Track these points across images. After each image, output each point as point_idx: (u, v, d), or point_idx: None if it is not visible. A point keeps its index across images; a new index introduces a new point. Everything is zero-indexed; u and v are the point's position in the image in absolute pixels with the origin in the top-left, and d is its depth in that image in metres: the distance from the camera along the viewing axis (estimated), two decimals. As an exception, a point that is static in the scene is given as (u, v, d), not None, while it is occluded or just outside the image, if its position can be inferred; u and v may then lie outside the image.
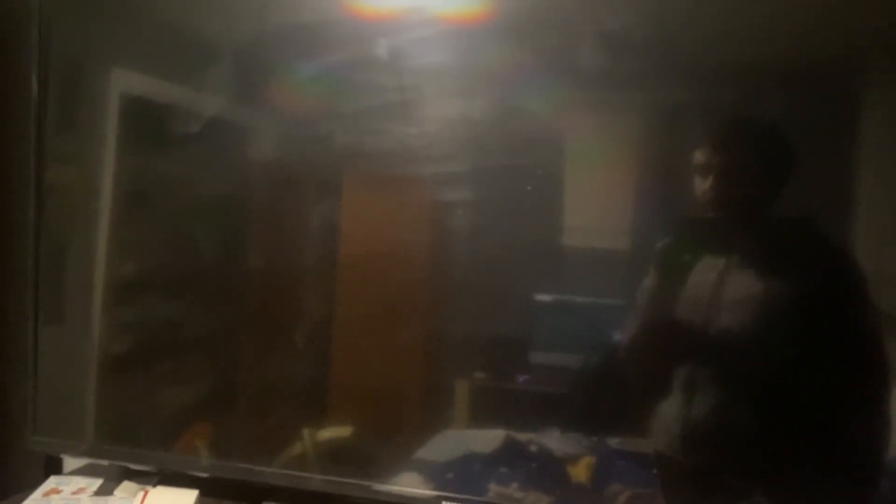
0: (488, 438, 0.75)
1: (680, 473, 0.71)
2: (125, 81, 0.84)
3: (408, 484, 0.76)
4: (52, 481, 0.87)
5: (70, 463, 1.00)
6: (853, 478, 0.66)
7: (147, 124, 0.84)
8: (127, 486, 0.85)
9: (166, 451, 0.85)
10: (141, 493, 0.82)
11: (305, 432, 0.80)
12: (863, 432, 0.66)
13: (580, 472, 0.73)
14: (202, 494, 0.82)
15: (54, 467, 1.00)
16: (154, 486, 0.84)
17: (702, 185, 0.68)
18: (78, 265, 0.87)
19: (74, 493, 0.85)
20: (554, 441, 0.73)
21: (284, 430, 0.81)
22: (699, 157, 0.68)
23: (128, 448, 0.86)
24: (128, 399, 0.87)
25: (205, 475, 0.84)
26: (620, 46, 0.68)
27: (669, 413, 0.70)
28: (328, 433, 0.79)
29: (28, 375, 0.87)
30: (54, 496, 0.84)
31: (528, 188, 0.71)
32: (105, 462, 0.91)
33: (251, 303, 0.83)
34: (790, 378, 0.67)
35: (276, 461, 0.80)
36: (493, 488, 0.74)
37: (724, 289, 0.68)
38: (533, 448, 0.73)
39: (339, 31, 0.76)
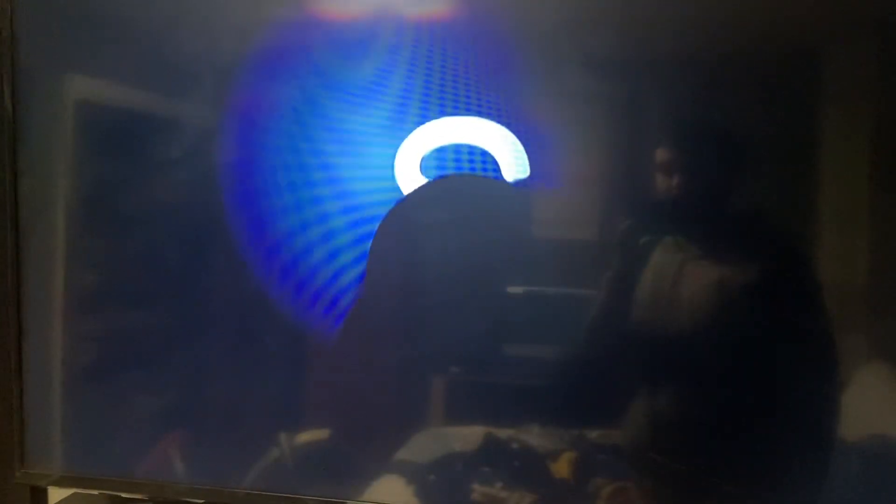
0: (468, 436, 0.75)
1: (656, 466, 0.73)
2: (81, 87, 0.84)
3: (388, 490, 0.77)
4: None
5: (54, 495, 1.00)
6: (816, 464, 0.69)
7: (105, 131, 0.85)
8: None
9: (143, 476, 0.84)
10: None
11: (282, 437, 0.80)
12: (824, 420, 0.69)
13: (562, 467, 0.73)
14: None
15: (39, 500, 1.01)
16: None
17: (663, 179, 0.70)
18: (41, 278, 0.87)
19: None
20: (534, 437, 0.74)
21: (260, 435, 0.81)
22: (660, 152, 0.71)
23: (113, 475, 0.86)
24: (101, 416, 0.87)
25: (198, 502, 0.83)
26: (583, 34, 0.70)
27: (637, 406, 0.72)
28: (305, 437, 0.80)
29: (13, 403, 0.87)
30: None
31: (496, 180, 0.72)
32: (94, 492, 0.91)
33: (219, 307, 0.83)
34: (751, 369, 0.70)
35: (254, 468, 0.80)
36: (477, 489, 0.75)
37: (682, 281, 0.71)
38: (514, 445, 0.74)
39: (302, 31, 0.77)
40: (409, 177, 0.56)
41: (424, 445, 0.76)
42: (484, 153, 0.57)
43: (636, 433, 0.72)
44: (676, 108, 0.72)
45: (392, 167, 0.62)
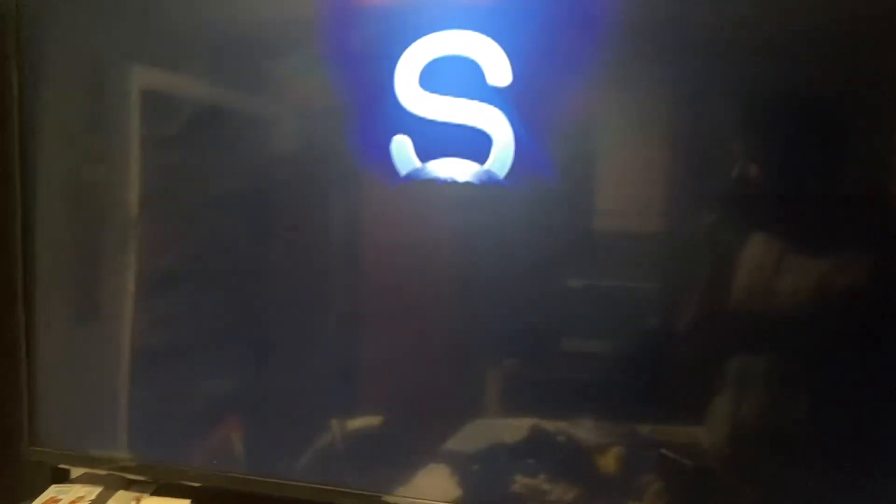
0: (516, 428, 0.72)
1: (714, 467, 0.68)
2: (146, 77, 0.83)
3: (432, 480, 0.74)
4: (52, 490, 0.87)
5: (77, 469, 0.99)
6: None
7: (170, 119, 0.82)
8: (121, 495, 0.83)
9: (172, 456, 0.83)
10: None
11: (334, 423, 0.77)
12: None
13: (608, 462, 0.70)
14: (195, 503, 0.79)
15: (62, 474, 1.00)
16: (150, 494, 0.82)
17: (750, 165, 0.62)
18: (107, 263, 0.85)
19: (72, 502, 0.84)
20: (582, 431, 0.70)
21: (313, 421, 0.78)
22: (745, 136, 0.62)
23: (124, 456, 0.84)
24: (114, 405, 0.85)
25: (197, 485, 0.81)
26: (650, 18, 0.61)
27: (715, 405, 0.66)
28: (357, 423, 0.77)
29: (22, 383, 0.86)
30: (51, 506, 0.83)
31: (557, 171, 0.64)
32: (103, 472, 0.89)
33: (278, 295, 0.79)
34: (851, 373, 0.61)
35: (305, 453, 0.78)
36: (520, 480, 0.72)
37: (777, 274, 0.63)
38: (560, 438, 0.71)
39: (364, 18, 0.69)
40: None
41: (472, 436, 0.74)
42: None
43: (706, 432, 0.67)
44: (764, 87, 0.61)
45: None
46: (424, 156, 0.63)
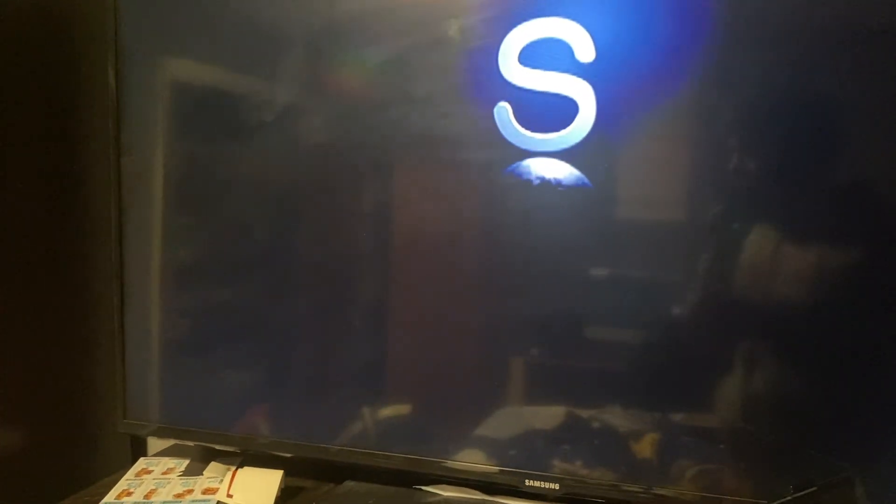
0: (548, 415, 0.75)
1: (749, 448, 0.70)
2: (178, 69, 0.87)
3: (469, 461, 0.78)
4: (142, 462, 0.91)
5: (153, 446, 1.04)
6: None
7: (201, 112, 0.86)
8: (215, 466, 0.88)
9: (234, 431, 0.87)
10: (229, 474, 0.84)
11: (365, 411, 0.82)
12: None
13: (644, 448, 0.72)
14: (287, 474, 0.84)
15: (139, 450, 1.04)
16: (239, 466, 0.87)
17: (756, 155, 0.66)
18: (153, 251, 0.90)
19: (164, 473, 0.88)
20: (616, 418, 0.73)
21: (344, 409, 0.83)
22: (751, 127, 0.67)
23: (211, 430, 0.89)
24: (200, 382, 0.90)
25: (287, 455, 0.86)
26: (664, 13, 0.66)
27: (732, 387, 0.69)
28: (387, 411, 0.81)
29: (116, 362, 0.91)
30: (146, 476, 0.87)
31: (582, 162, 0.70)
32: (190, 443, 0.94)
33: (310, 284, 0.84)
34: (854, 349, 0.66)
35: (337, 440, 0.82)
36: (558, 465, 0.75)
37: (780, 259, 0.67)
38: (595, 425, 0.73)
39: (404, 12, 0.76)
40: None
41: (505, 422, 0.76)
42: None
43: (725, 417, 0.70)
44: (767, 83, 0.66)
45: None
46: (524, 122, 0.70)
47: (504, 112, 0.69)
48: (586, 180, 0.69)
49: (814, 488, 0.62)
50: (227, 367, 0.89)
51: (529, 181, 0.72)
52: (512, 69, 0.66)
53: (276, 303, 0.86)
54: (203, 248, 0.89)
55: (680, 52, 0.66)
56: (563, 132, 0.67)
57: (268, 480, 0.83)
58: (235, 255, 0.88)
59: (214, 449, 0.92)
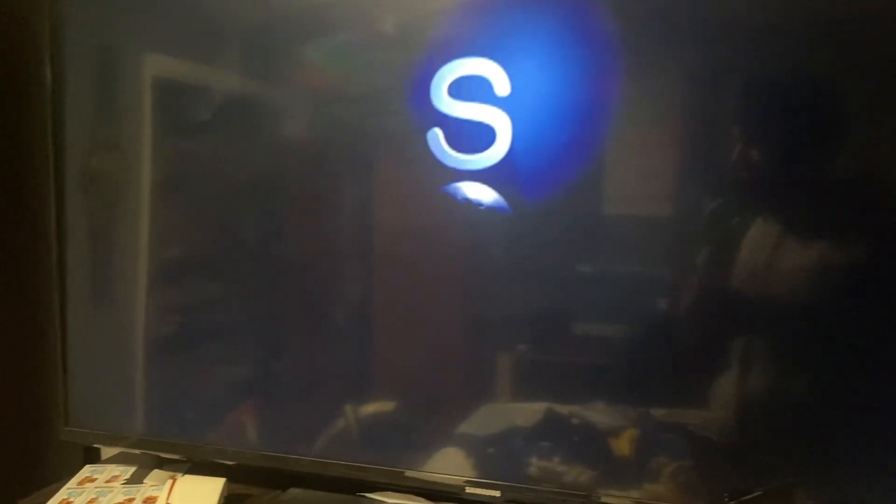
0: (530, 412, 0.74)
1: (727, 448, 0.69)
2: (157, 65, 0.85)
3: (447, 459, 0.76)
4: (86, 470, 0.89)
5: (107, 450, 1.01)
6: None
7: (181, 107, 0.84)
8: (157, 474, 0.86)
9: (205, 435, 0.85)
10: (170, 482, 0.82)
11: (348, 408, 0.80)
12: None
13: (623, 445, 0.71)
14: (230, 481, 0.82)
15: (92, 455, 1.02)
16: (184, 474, 0.85)
17: (751, 148, 0.64)
18: (120, 250, 0.88)
19: (108, 481, 0.86)
20: (596, 414, 0.72)
21: (328, 406, 0.81)
22: (746, 121, 0.65)
23: (158, 437, 0.87)
24: (167, 384, 0.87)
25: (232, 463, 0.84)
26: (570, 55, 0.69)
27: (721, 386, 0.67)
28: (371, 408, 0.79)
29: (58, 367, 0.88)
30: (88, 484, 0.85)
31: (565, 156, 0.70)
32: (136, 451, 0.92)
33: (291, 282, 0.82)
34: (851, 352, 0.63)
35: (320, 438, 0.80)
36: (535, 462, 0.74)
37: (778, 255, 0.64)
38: (575, 421, 0.72)
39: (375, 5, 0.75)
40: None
41: (487, 419, 0.75)
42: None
43: (709, 415, 0.68)
44: (761, 72, 0.64)
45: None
46: (452, 144, 0.74)
47: (436, 137, 0.74)
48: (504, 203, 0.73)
49: (757, 493, 0.59)
50: (174, 372, 0.87)
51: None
52: (443, 100, 0.73)
53: (223, 306, 0.84)
54: (146, 247, 0.86)
55: (585, 87, 0.70)
56: (483, 154, 0.73)
57: (209, 488, 0.80)
58: (182, 256, 0.86)
59: (161, 457, 0.90)
